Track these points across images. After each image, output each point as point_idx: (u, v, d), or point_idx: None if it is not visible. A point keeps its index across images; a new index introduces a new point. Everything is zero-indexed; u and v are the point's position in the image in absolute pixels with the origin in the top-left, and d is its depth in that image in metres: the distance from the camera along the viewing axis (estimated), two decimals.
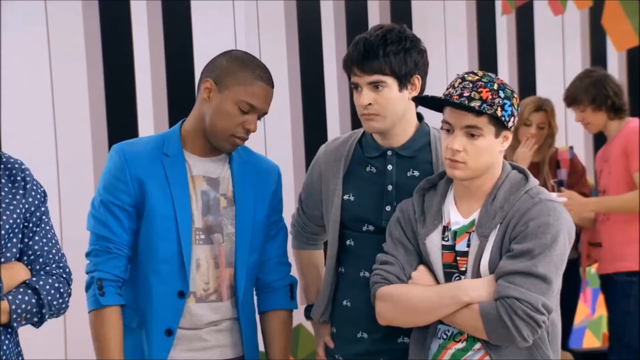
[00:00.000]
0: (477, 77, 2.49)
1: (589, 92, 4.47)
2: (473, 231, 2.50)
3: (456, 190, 2.57)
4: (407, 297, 2.53)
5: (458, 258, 2.52)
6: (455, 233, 2.53)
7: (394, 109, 2.68)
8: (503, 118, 2.46)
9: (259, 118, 2.68)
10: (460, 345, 2.52)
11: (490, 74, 2.54)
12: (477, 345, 2.50)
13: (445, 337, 2.55)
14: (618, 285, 4.37)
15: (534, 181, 2.55)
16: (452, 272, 2.53)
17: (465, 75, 2.51)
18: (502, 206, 2.49)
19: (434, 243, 2.54)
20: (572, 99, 4.55)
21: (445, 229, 2.54)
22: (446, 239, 2.54)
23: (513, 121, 2.50)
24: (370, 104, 2.68)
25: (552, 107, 4.79)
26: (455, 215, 2.55)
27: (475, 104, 2.44)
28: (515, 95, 2.52)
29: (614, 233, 4.38)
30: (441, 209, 2.56)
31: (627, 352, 4.35)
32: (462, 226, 2.53)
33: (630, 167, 4.30)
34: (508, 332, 2.39)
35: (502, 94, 2.47)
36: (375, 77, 2.67)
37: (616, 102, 4.46)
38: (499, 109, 2.46)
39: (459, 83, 2.49)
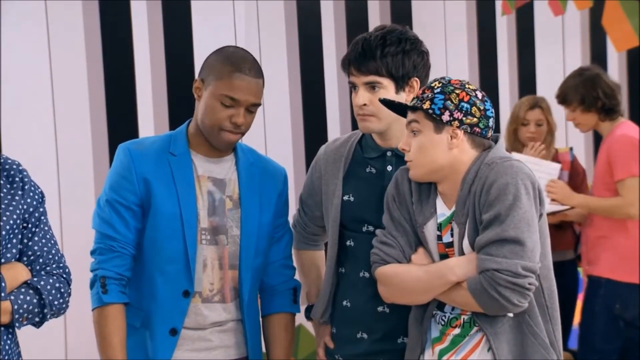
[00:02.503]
0: (433, 81, 2.56)
1: (579, 92, 4.36)
2: (454, 221, 2.53)
3: (439, 189, 2.60)
4: (401, 279, 2.57)
5: (446, 249, 2.56)
6: (440, 225, 2.56)
7: (388, 110, 2.67)
8: (432, 111, 2.49)
9: (250, 111, 2.64)
10: (456, 331, 2.56)
11: (447, 78, 2.57)
12: (473, 330, 2.54)
13: (443, 323, 2.58)
14: (590, 284, 4.39)
15: (494, 151, 2.55)
16: None
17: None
18: (469, 190, 2.51)
19: (430, 233, 2.57)
20: (562, 98, 4.47)
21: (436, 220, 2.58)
22: (439, 230, 2.57)
23: (451, 115, 2.50)
24: (365, 104, 2.69)
25: (547, 104, 4.76)
26: (441, 207, 2.58)
27: (412, 101, 2.53)
28: (459, 92, 2.51)
29: (592, 238, 4.38)
30: (435, 200, 2.59)
31: (592, 352, 4.34)
32: (446, 218, 2.56)
33: (614, 174, 4.21)
34: (498, 303, 2.42)
35: (437, 90, 2.51)
36: (371, 77, 2.67)
37: (606, 104, 4.33)
38: (428, 102, 2.50)
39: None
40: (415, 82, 2.72)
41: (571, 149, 4.87)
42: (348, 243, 2.81)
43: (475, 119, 2.52)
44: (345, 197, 2.79)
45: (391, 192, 2.65)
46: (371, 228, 2.75)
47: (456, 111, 2.50)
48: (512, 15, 5.72)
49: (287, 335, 2.83)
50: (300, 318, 2.96)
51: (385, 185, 2.73)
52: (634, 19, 4.57)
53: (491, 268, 2.40)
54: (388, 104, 2.61)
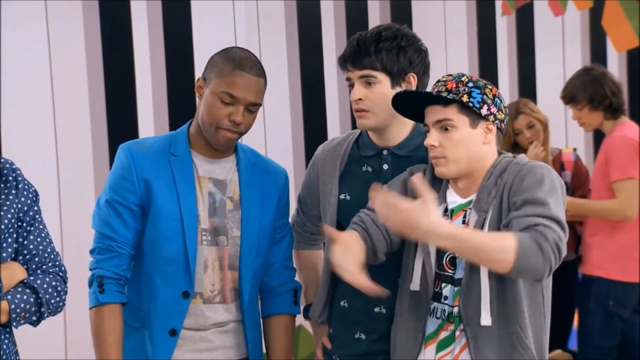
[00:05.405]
0: (449, 77, 2.54)
1: (587, 91, 4.39)
2: (470, 208, 2.51)
3: (452, 180, 2.59)
4: None
5: None
6: (452, 211, 2.54)
7: (384, 104, 2.67)
8: (471, 104, 2.48)
9: (250, 110, 2.63)
10: (448, 332, 2.52)
11: (464, 74, 2.56)
12: (457, 333, 2.50)
13: (443, 317, 2.54)
14: (583, 282, 4.40)
15: (521, 156, 2.57)
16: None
17: (440, 78, 2.56)
18: (495, 182, 2.50)
19: None
20: (569, 97, 4.49)
21: (445, 210, 2.55)
22: (445, 218, 2.53)
23: (488, 109, 2.50)
24: (360, 99, 2.69)
25: (527, 104, 4.74)
26: (452, 196, 2.56)
27: (443, 94, 2.48)
28: (490, 87, 2.52)
29: (585, 236, 4.40)
30: (445, 192, 2.57)
31: (590, 350, 4.35)
32: (459, 204, 2.54)
33: (610, 175, 4.25)
34: (537, 258, 2.30)
35: (470, 84, 2.50)
36: (366, 71, 2.68)
37: (614, 102, 4.39)
38: (465, 95, 2.48)
39: (434, 86, 2.55)
40: (413, 78, 2.72)
41: (574, 149, 4.87)
42: None
43: (503, 115, 2.55)
44: (342, 196, 2.79)
45: (402, 177, 2.64)
46: None
47: (492, 106, 2.51)
48: (512, 15, 5.72)
49: (288, 336, 2.82)
50: (300, 319, 2.96)
51: (382, 184, 2.72)
52: (634, 20, 4.57)
53: (541, 223, 2.33)
54: (411, 95, 2.56)
